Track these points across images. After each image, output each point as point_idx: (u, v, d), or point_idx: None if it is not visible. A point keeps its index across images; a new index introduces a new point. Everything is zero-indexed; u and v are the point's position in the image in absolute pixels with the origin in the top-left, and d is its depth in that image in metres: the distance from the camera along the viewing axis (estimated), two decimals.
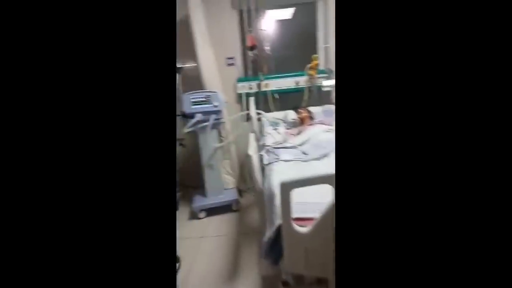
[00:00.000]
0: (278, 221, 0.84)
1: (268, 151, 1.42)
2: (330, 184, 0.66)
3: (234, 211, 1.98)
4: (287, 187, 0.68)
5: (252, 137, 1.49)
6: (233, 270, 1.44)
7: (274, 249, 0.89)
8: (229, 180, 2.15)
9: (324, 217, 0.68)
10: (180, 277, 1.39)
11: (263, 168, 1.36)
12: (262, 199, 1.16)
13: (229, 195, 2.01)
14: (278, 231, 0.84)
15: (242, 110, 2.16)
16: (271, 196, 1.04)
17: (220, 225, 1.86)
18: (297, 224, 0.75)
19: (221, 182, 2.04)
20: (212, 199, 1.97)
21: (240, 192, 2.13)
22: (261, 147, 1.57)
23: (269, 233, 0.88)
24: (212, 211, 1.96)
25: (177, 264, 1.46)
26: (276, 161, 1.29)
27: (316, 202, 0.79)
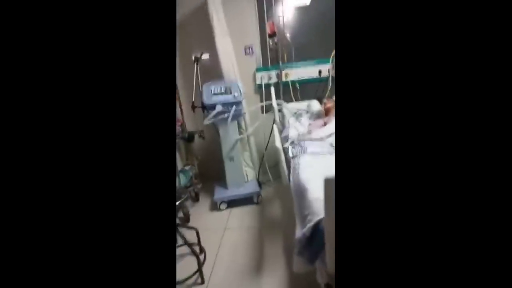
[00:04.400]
0: (314, 217, 0.80)
1: (293, 144, 1.38)
2: None
3: (256, 203, 1.97)
4: (333, 183, 0.64)
5: (275, 128, 1.44)
6: (259, 263, 1.44)
7: (309, 247, 0.85)
8: (249, 173, 2.13)
9: None
10: (206, 268, 1.41)
11: (288, 161, 1.32)
12: (289, 193, 1.13)
13: (249, 188, 2.00)
14: (315, 228, 0.80)
15: (261, 101, 2.11)
16: (301, 191, 1.00)
17: (242, 217, 1.86)
18: None
19: (242, 175, 2.02)
20: (232, 191, 1.96)
21: (260, 184, 2.11)
22: (284, 139, 1.52)
23: (303, 230, 0.84)
24: (233, 203, 1.96)
25: (202, 256, 1.48)
26: (302, 154, 1.25)
27: None
